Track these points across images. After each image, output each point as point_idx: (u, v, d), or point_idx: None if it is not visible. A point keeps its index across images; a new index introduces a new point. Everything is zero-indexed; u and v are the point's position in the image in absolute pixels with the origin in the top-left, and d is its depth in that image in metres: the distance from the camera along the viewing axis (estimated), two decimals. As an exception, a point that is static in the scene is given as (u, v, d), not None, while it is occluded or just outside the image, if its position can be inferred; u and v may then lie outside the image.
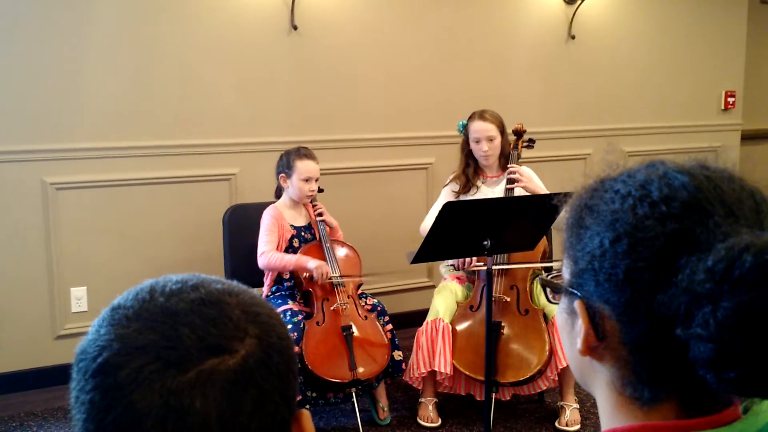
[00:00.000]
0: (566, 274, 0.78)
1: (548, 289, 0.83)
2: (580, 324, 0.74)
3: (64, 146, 3.64)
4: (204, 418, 0.59)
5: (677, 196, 0.68)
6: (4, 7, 3.46)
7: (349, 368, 3.10)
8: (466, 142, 3.46)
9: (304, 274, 3.24)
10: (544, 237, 3.22)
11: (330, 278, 3.21)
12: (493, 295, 3.11)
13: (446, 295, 3.37)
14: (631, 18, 5.15)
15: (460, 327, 3.30)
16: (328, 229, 3.43)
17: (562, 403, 3.29)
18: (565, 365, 3.10)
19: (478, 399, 3.33)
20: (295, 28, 4.07)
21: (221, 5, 3.90)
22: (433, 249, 2.77)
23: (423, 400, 3.34)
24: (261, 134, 4.06)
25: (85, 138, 3.67)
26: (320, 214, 3.40)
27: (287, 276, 3.34)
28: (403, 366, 3.31)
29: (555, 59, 4.90)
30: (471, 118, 3.43)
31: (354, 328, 3.19)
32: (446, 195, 3.47)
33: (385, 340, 3.25)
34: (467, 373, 3.20)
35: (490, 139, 3.38)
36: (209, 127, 3.94)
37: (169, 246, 3.89)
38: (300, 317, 3.16)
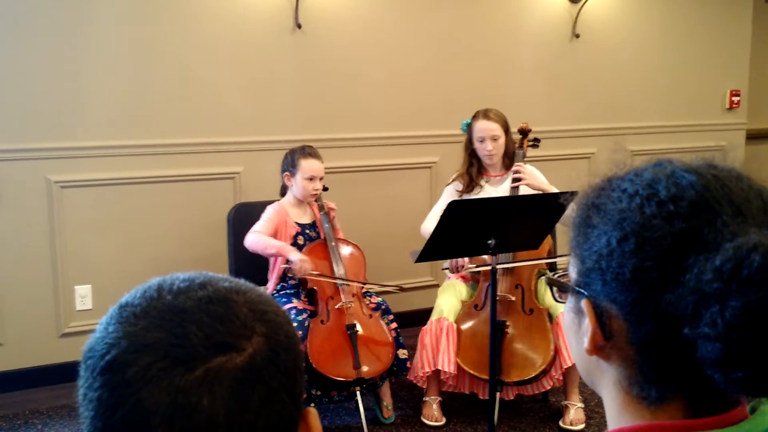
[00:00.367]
0: (573, 273, 0.77)
1: (555, 288, 0.83)
2: (587, 323, 0.74)
3: (69, 144, 3.64)
4: (211, 416, 0.59)
5: (685, 195, 0.68)
6: (7, 6, 3.47)
7: (353, 367, 3.10)
8: (469, 141, 3.46)
9: (284, 264, 3.24)
10: (549, 236, 3.22)
11: (308, 273, 3.19)
12: (498, 294, 3.11)
13: (450, 294, 3.37)
14: (635, 17, 5.14)
15: (465, 326, 3.30)
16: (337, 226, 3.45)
17: (566, 402, 3.29)
18: (570, 365, 3.10)
19: (482, 398, 3.33)
20: (299, 26, 4.07)
21: (225, 4, 3.90)
22: (437, 248, 2.77)
23: (427, 398, 3.35)
24: (265, 133, 4.06)
25: (89, 136, 3.68)
26: (328, 213, 3.40)
27: (291, 274, 3.34)
28: (408, 365, 3.31)
29: (559, 58, 4.89)
30: (475, 117, 3.43)
31: (358, 327, 3.19)
32: (449, 194, 3.47)
33: (390, 338, 3.25)
34: (471, 372, 3.20)
35: (494, 139, 3.37)
36: (213, 125, 3.94)
37: (174, 244, 3.89)
38: (304, 315, 3.16)
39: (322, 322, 3.19)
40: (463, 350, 3.23)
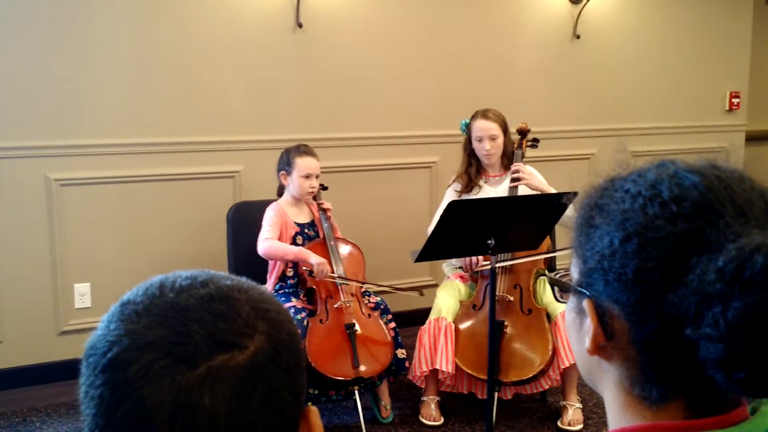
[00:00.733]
0: (575, 273, 0.78)
1: (557, 288, 0.83)
2: (589, 323, 0.74)
3: (69, 143, 3.64)
4: (213, 414, 0.59)
5: (688, 196, 0.68)
6: (9, 5, 3.46)
7: (352, 366, 3.10)
8: (468, 141, 3.46)
9: (304, 267, 3.25)
10: (548, 236, 3.22)
11: (328, 276, 3.20)
12: (497, 294, 3.11)
13: (449, 294, 3.37)
14: (636, 18, 5.14)
15: (463, 326, 3.30)
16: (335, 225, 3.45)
17: (564, 402, 3.29)
18: (568, 365, 3.10)
19: (481, 398, 3.33)
20: (300, 26, 4.07)
21: (226, 3, 3.90)
22: (437, 248, 2.78)
23: (425, 398, 3.35)
24: (265, 132, 4.06)
25: (89, 135, 3.68)
26: (325, 211, 3.40)
27: (291, 273, 3.34)
28: (407, 364, 3.31)
29: (560, 59, 4.89)
30: (474, 116, 3.43)
31: (357, 326, 3.19)
32: (450, 196, 3.47)
33: (388, 338, 3.25)
34: (470, 371, 3.20)
35: (493, 138, 3.37)
36: (214, 124, 3.94)
37: (173, 243, 3.89)
38: (303, 315, 3.16)
39: (321, 321, 3.19)
40: (461, 350, 3.23)
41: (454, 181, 3.52)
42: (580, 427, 3.24)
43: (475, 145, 3.41)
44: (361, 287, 3.40)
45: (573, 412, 3.25)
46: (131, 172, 3.78)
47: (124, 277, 3.68)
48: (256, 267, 3.31)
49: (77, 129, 3.65)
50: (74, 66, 3.61)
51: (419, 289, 3.51)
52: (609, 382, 0.76)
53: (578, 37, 4.91)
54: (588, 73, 5.01)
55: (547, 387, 3.31)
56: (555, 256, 3.55)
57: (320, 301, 3.25)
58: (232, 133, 3.99)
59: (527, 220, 2.81)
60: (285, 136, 3.98)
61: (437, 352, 3.20)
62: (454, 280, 3.48)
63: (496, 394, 3.17)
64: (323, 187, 3.44)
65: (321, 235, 3.39)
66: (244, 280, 0.69)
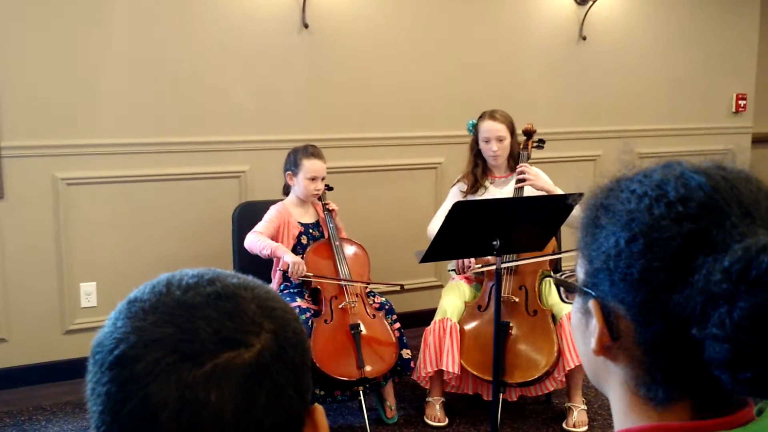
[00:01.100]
0: (581, 274, 0.78)
1: (562, 289, 0.83)
2: (595, 323, 0.74)
3: (75, 142, 3.65)
4: (219, 412, 0.59)
5: (694, 196, 0.68)
6: (18, 6, 3.48)
7: (356, 366, 3.10)
8: (475, 142, 3.46)
9: (278, 267, 3.24)
10: (553, 238, 3.22)
11: (305, 276, 3.19)
12: (502, 295, 3.11)
13: (454, 295, 3.37)
14: (642, 19, 5.13)
15: (468, 327, 3.29)
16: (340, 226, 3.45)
17: (569, 404, 3.28)
18: (573, 366, 3.10)
19: (486, 399, 3.33)
20: (306, 26, 4.08)
21: (233, 3, 3.91)
22: (442, 248, 2.77)
23: (430, 399, 3.34)
24: (271, 132, 4.07)
25: (96, 134, 3.69)
26: (330, 212, 3.40)
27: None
28: (411, 365, 3.31)
29: (566, 60, 4.89)
30: (481, 117, 3.43)
31: (362, 327, 3.19)
32: (454, 195, 3.47)
33: (393, 338, 3.25)
34: (475, 372, 3.20)
35: (500, 140, 3.37)
36: (220, 124, 3.95)
37: (179, 242, 3.90)
38: (308, 315, 3.17)
39: (325, 321, 3.19)
40: (466, 351, 3.23)
41: (459, 181, 3.51)
42: (585, 428, 3.23)
43: (482, 146, 3.41)
44: (366, 287, 3.40)
45: (578, 414, 3.24)
46: (138, 172, 3.79)
47: (130, 277, 3.69)
48: (261, 266, 3.32)
49: (84, 129, 3.67)
50: (82, 66, 3.63)
51: (400, 285, 3.47)
52: (614, 383, 0.76)
53: (584, 38, 4.90)
54: (594, 75, 5.00)
55: (552, 388, 3.31)
56: (560, 258, 3.55)
57: (325, 301, 3.25)
58: (237, 133, 4.00)
59: (533, 221, 2.81)
60: (291, 137, 3.99)
61: (442, 353, 3.20)
62: (460, 281, 3.47)
63: (501, 396, 3.17)
64: (329, 188, 3.44)
65: (326, 236, 3.39)
66: (250, 279, 0.69)
